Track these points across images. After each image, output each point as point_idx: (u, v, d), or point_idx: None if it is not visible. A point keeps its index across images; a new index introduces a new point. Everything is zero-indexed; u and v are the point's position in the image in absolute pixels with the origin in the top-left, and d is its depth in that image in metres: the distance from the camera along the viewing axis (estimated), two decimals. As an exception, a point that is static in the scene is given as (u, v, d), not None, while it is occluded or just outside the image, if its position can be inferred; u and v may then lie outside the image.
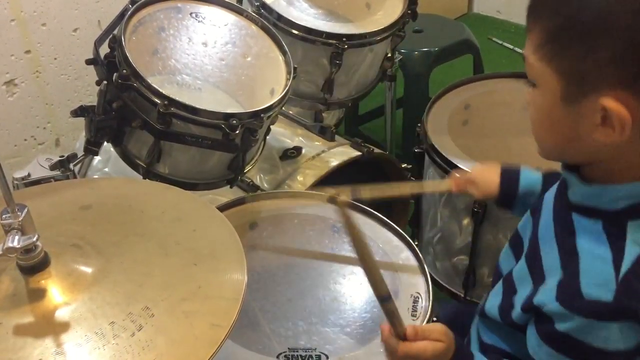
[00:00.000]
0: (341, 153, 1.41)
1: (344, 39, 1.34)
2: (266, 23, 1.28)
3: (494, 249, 1.32)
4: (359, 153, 1.42)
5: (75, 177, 1.14)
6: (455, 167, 1.30)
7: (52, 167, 1.08)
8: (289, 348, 0.95)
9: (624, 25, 0.62)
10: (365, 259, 0.81)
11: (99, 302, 0.67)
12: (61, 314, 0.66)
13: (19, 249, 0.63)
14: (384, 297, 0.83)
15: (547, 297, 0.73)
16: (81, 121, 1.16)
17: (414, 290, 1.04)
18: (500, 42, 2.89)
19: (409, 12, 1.43)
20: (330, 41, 1.34)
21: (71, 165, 1.13)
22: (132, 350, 0.62)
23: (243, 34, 1.27)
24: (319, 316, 1.00)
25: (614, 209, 0.71)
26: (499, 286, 0.90)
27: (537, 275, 0.78)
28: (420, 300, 1.03)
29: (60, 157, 1.10)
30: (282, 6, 1.37)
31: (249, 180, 1.33)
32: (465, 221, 1.33)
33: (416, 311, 1.01)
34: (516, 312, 0.81)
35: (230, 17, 1.28)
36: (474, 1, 3.21)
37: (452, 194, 1.35)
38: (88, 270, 0.70)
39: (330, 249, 1.13)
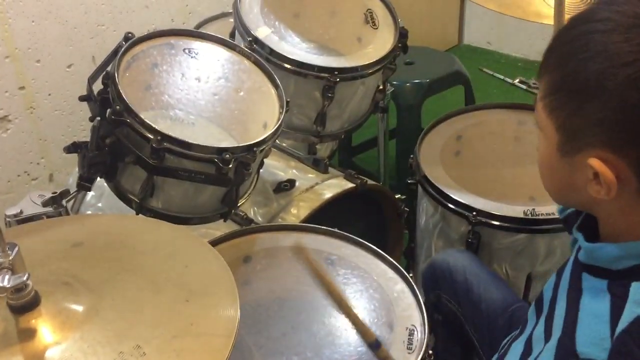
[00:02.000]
0: (335, 185, 1.42)
1: (336, 73, 1.35)
2: (259, 58, 1.30)
3: (489, 279, 1.32)
4: (353, 185, 1.42)
5: (67, 213, 1.14)
6: (448, 198, 1.30)
7: (45, 204, 1.08)
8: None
9: (616, 91, 0.63)
10: (345, 311, 0.83)
11: (90, 341, 0.66)
12: (51, 354, 0.65)
13: (9, 288, 0.62)
14: (371, 345, 0.83)
15: (547, 356, 0.73)
16: (75, 157, 1.17)
17: (410, 322, 1.04)
18: (491, 72, 2.92)
19: (399, 45, 1.45)
20: (322, 75, 1.36)
21: (64, 202, 1.13)
22: (123, 390, 0.62)
23: (236, 69, 1.29)
24: (313, 351, 0.99)
25: (618, 269, 0.71)
26: (520, 346, 0.88)
27: (548, 335, 0.77)
28: (416, 332, 1.02)
29: (52, 193, 1.10)
30: (274, 41, 1.39)
31: (242, 214, 1.33)
32: (460, 252, 1.33)
33: (412, 344, 1.00)
34: None
35: (223, 53, 1.29)
36: (464, 33, 3.25)
37: (445, 224, 1.35)
38: (79, 308, 0.70)
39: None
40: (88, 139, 1.14)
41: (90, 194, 1.47)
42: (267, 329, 1.03)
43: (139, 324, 0.69)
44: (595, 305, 0.70)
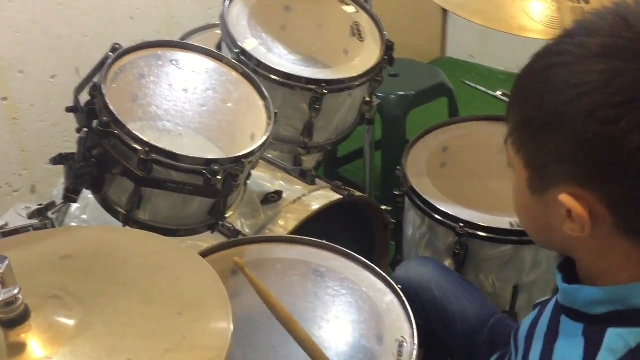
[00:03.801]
0: (322, 197, 1.42)
1: (323, 84, 1.36)
2: (246, 69, 1.30)
3: (477, 290, 1.32)
4: (340, 197, 1.42)
5: (53, 225, 1.13)
6: (435, 209, 1.31)
7: (30, 216, 1.06)
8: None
9: (574, 124, 0.61)
10: (293, 332, 0.83)
11: (81, 355, 0.66)
12: (42, 369, 0.64)
13: (0, 302, 0.61)
14: None
15: None
16: (58, 168, 1.15)
17: (399, 334, 1.03)
18: (473, 85, 2.95)
19: (386, 57, 1.46)
20: (310, 86, 1.36)
21: (49, 214, 1.11)
22: (116, 405, 0.61)
23: (223, 80, 1.29)
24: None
25: (595, 314, 0.68)
26: None
27: None
28: (405, 344, 1.02)
29: (38, 205, 1.09)
30: (262, 53, 1.39)
31: (230, 226, 1.32)
32: (447, 262, 1.33)
33: (402, 356, 1.00)
34: None
35: (210, 64, 1.29)
36: (447, 46, 3.28)
37: (432, 235, 1.36)
38: (69, 322, 0.69)
39: (314, 293, 1.12)
40: (72, 151, 1.14)
41: (74, 205, 1.45)
42: (257, 342, 1.02)
43: (131, 338, 0.69)
44: (568, 350, 0.69)
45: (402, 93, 2.03)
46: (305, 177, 1.53)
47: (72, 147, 1.14)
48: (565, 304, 0.73)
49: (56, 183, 1.55)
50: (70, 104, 1.17)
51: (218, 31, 1.82)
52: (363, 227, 1.61)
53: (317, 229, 1.34)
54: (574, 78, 0.61)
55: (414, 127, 2.07)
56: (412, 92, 2.04)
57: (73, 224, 1.45)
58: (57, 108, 1.92)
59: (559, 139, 0.63)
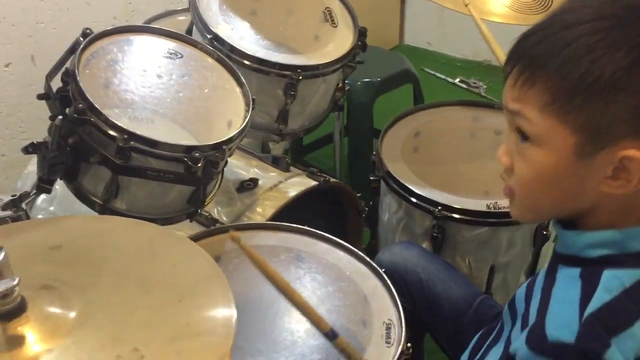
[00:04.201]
0: (299, 183, 1.41)
1: (299, 70, 1.35)
2: (222, 55, 1.28)
3: (452, 272, 1.34)
4: (316, 183, 1.42)
5: (28, 216, 1.09)
6: (412, 193, 1.32)
7: (4, 207, 1.02)
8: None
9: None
10: (299, 303, 0.83)
11: (84, 346, 0.63)
12: (45, 361, 0.62)
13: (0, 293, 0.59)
14: (327, 334, 0.84)
15: (520, 343, 0.73)
16: (18, 160, 1.11)
17: (386, 317, 1.04)
18: (432, 72, 2.98)
19: (359, 43, 1.46)
20: (285, 72, 1.35)
21: (23, 205, 1.07)
22: (128, 395, 0.59)
23: (199, 66, 1.26)
24: (292, 350, 0.98)
25: (591, 257, 0.73)
26: (499, 349, 0.88)
27: (524, 327, 0.77)
28: (393, 327, 1.02)
29: (12, 196, 1.04)
30: (235, 38, 1.37)
31: (207, 214, 1.30)
32: (424, 245, 1.35)
33: (390, 338, 1.01)
34: None
35: (185, 50, 1.27)
36: (405, 33, 3.31)
37: (409, 219, 1.37)
38: (68, 313, 0.66)
39: (297, 279, 1.12)
40: (28, 141, 1.10)
41: (41, 197, 1.41)
42: (245, 329, 1.01)
43: (133, 327, 0.67)
44: (566, 292, 0.72)
45: (368, 79, 2.03)
46: (278, 164, 1.52)
47: (29, 138, 1.09)
48: (563, 252, 0.77)
49: (22, 175, 1.50)
50: (26, 93, 1.13)
51: (180, 17, 1.79)
52: (336, 214, 1.61)
53: (291, 216, 1.33)
54: (620, 37, 0.65)
55: (379, 114, 2.08)
56: (378, 79, 2.04)
57: (39, 217, 1.40)
58: (13, 97, 1.84)
59: (624, 96, 0.66)
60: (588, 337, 0.67)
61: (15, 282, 0.60)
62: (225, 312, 0.70)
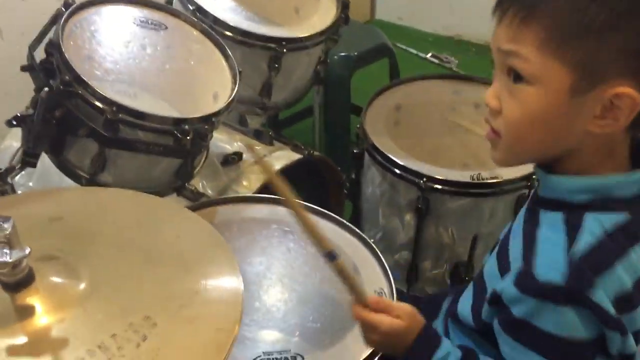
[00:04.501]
0: (283, 157, 1.41)
1: (284, 43, 1.34)
2: (206, 27, 1.26)
3: (436, 242, 1.37)
4: (300, 156, 1.43)
5: (14, 190, 1.07)
6: (398, 165, 1.33)
7: (-10, 181, 1.00)
8: (263, 352, 0.93)
9: (637, 21, 0.68)
10: (302, 217, 0.83)
11: (96, 315, 0.64)
12: (56, 330, 0.61)
13: (10, 263, 0.58)
14: (328, 254, 0.83)
15: (506, 283, 0.76)
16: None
17: (377, 285, 1.06)
18: (404, 47, 2.99)
19: (342, 16, 1.46)
20: (269, 45, 1.34)
21: (9, 179, 1.05)
22: (141, 362, 0.60)
23: (184, 38, 1.25)
24: (291, 317, 0.99)
25: (574, 201, 0.75)
26: (470, 287, 0.92)
27: (504, 269, 0.80)
28: (384, 295, 1.04)
29: (-2, 170, 1.02)
30: (218, 10, 1.35)
31: (192, 188, 1.30)
32: (408, 217, 1.37)
33: (382, 306, 1.03)
34: (485, 309, 0.83)
35: (170, 21, 1.25)
36: (376, 8, 3.30)
37: (393, 191, 1.38)
38: (76, 283, 0.66)
39: (287, 250, 1.13)
40: (29, 113, 1.07)
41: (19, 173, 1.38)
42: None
43: (142, 297, 0.67)
44: (551, 234, 0.75)
45: (344, 54, 2.03)
46: (260, 137, 1.51)
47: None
48: (546, 195, 0.79)
49: (-1, 149, 1.46)
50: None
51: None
52: (317, 187, 1.62)
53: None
54: None
55: (355, 91, 2.08)
56: (356, 53, 2.04)
57: (19, 192, 1.37)
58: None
59: (620, 34, 0.68)
60: (576, 278, 0.71)
61: (27, 252, 0.59)
62: (232, 280, 0.71)
